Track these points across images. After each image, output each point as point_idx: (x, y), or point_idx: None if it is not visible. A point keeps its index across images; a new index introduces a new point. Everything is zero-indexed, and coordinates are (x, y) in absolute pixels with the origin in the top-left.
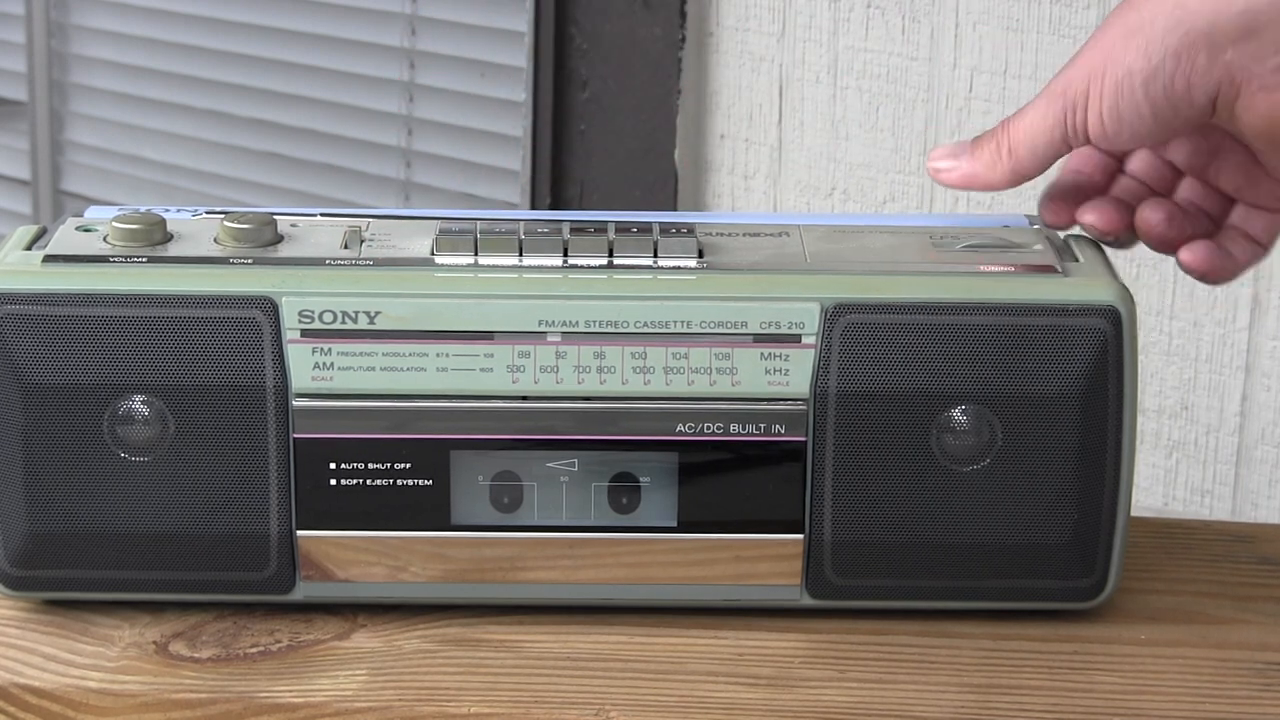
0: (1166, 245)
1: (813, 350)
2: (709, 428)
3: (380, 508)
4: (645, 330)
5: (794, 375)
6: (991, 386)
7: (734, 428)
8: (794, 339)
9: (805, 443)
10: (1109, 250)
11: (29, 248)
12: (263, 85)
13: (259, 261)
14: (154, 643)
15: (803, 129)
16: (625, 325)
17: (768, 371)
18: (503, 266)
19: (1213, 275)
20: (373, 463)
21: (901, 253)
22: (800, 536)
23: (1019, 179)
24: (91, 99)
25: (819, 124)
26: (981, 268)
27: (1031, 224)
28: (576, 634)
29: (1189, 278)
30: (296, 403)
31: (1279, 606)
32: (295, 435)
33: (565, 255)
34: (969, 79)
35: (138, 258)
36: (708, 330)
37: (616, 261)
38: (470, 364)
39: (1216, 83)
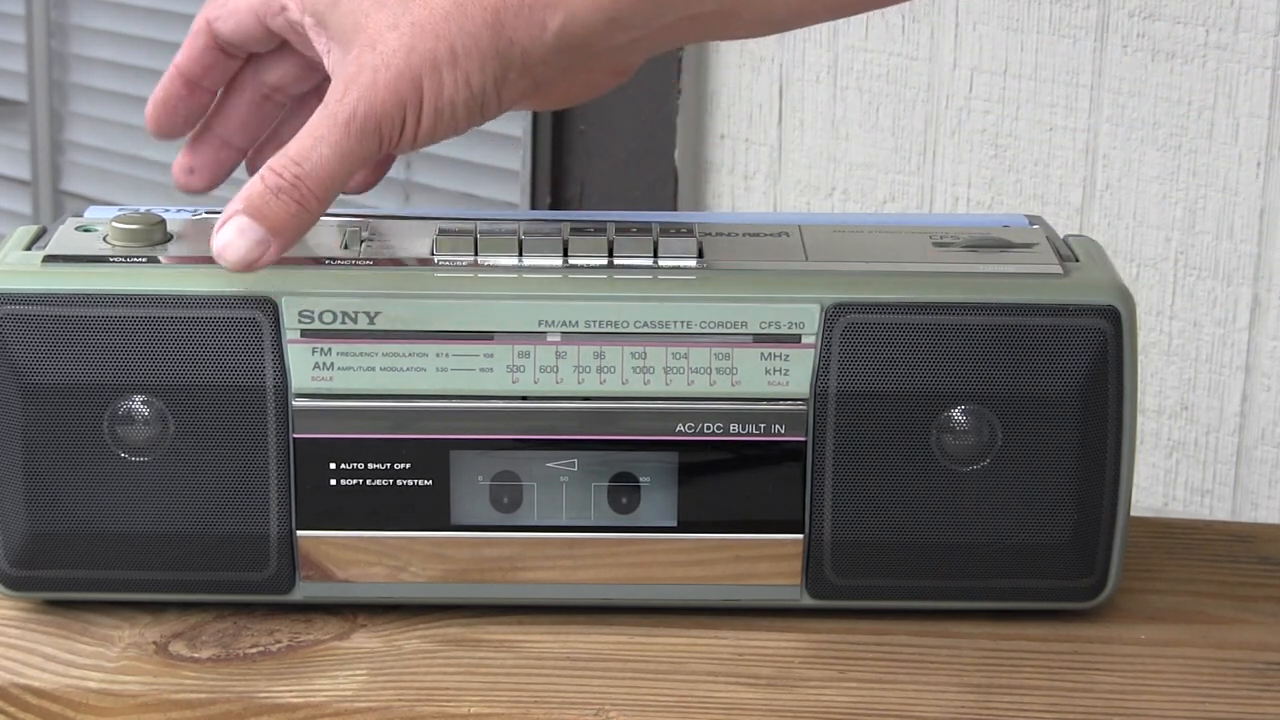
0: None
1: (813, 350)
2: (709, 428)
3: (380, 508)
4: (645, 330)
5: (794, 375)
6: (991, 386)
7: (734, 428)
8: (794, 339)
9: (805, 443)
10: (1109, 250)
11: (29, 248)
12: None
13: None
14: (154, 643)
15: (803, 129)
16: (625, 325)
17: (768, 371)
18: (503, 266)
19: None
20: (373, 463)
21: (901, 253)
22: (800, 536)
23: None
24: (91, 99)
25: (819, 124)
26: (981, 268)
27: (1031, 224)
28: (576, 634)
29: (1189, 278)
30: (296, 403)
31: (1279, 606)
32: (295, 435)
33: (565, 255)
34: (969, 79)
35: (137, 258)
36: (708, 330)
37: (616, 261)
38: (470, 364)
39: (525, 90)
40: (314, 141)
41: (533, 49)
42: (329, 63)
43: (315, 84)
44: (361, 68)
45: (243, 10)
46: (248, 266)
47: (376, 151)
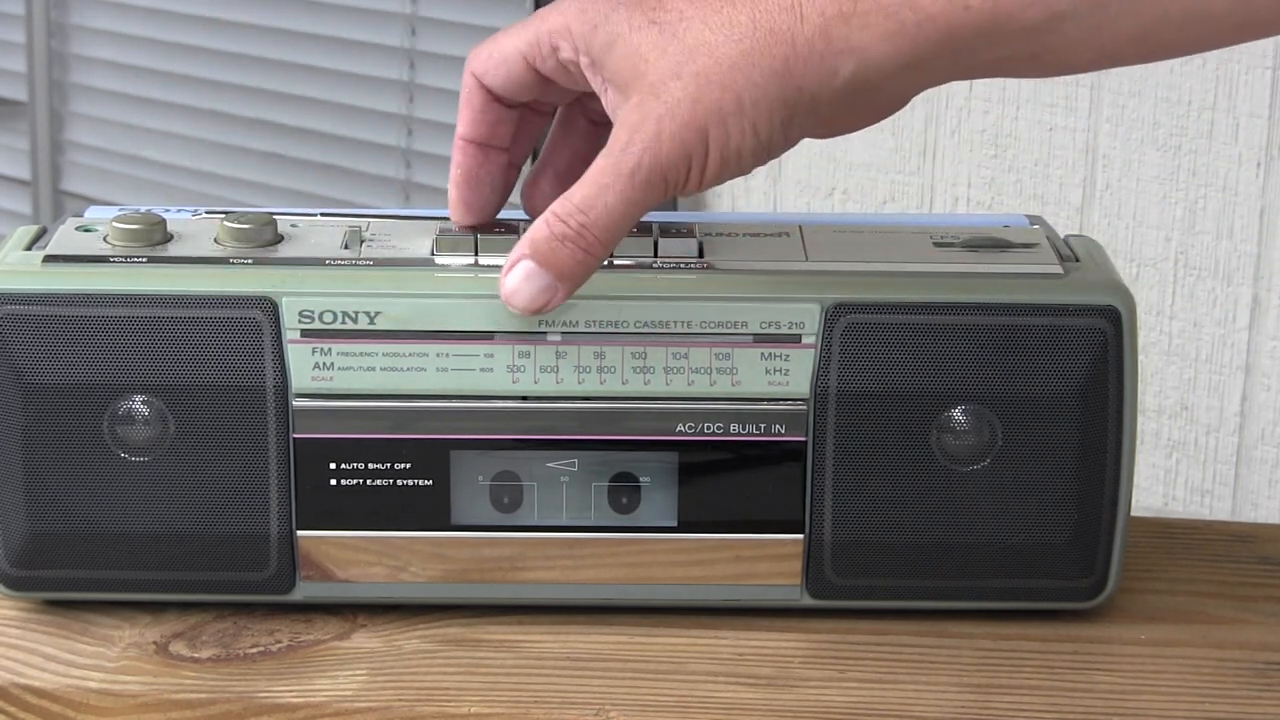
0: None
1: (813, 350)
2: (709, 428)
3: (380, 508)
4: (645, 330)
5: (794, 375)
6: (991, 386)
7: (734, 428)
8: (794, 339)
9: (805, 443)
10: (1109, 250)
11: (29, 248)
12: (263, 85)
13: (259, 261)
14: (154, 643)
15: None
16: (625, 325)
17: (768, 371)
18: (503, 266)
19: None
20: (373, 463)
21: (901, 253)
22: (800, 536)
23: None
24: (91, 99)
25: None
26: (981, 268)
27: (1031, 224)
28: (576, 634)
29: (1189, 278)
30: (296, 403)
31: (1279, 606)
32: (295, 435)
33: None
34: None
35: (138, 258)
36: (708, 330)
37: (616, 261)
38: (470, 364)
39: (811, 130)
40: (599, 190)
41: (821, 94)
42: (606, 102)
43: (579, 97)
44: (645, 117)
45: (511, 58)
46: (536, 311)
47: (661, 198)
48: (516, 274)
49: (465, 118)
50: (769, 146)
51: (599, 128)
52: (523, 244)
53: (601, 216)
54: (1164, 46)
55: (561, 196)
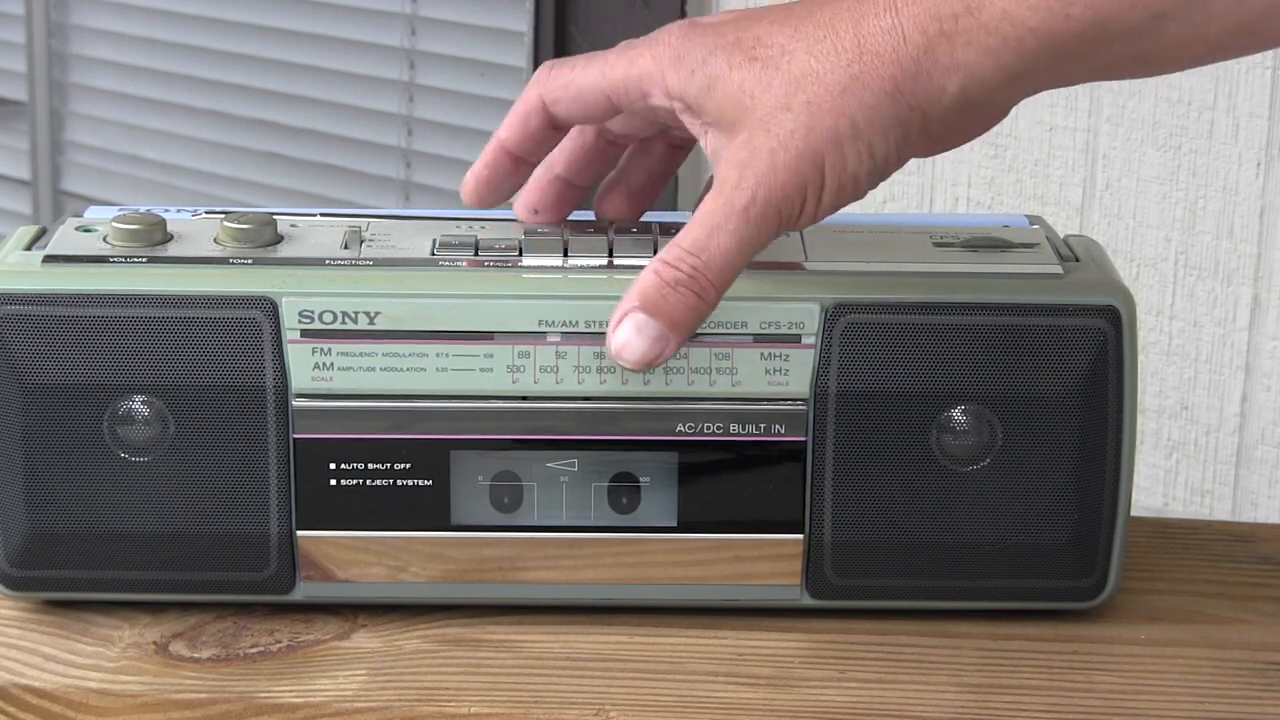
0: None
1: (813, 350)
2: (709, 428)
3: (380, 508)
4: None
5: (794, 375)
6: (991, 386)
7: (734, 428)
8: (794, 339)
9: (805, 443)
10: (1109, 250)
11: (29, 248)
12: (263, 85)
13: (259, 261)
14: (154, 643)
15: None
16: None
17: (768, 371)
18: (503, 266)
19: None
20: (373, 463)
21: (901, 253)
22: (800, 536)
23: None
24: (91, 99)
25: None
26: (981, 268)
27: (1031, 224)
28: (576, 634)
29: (1189, 278)
30: (296, 403)
31: (1279, 606)
32: (295, 435)
33: (565, 255)
34: None
35: (137, 258)
36: (708, 330)
37: (616, 261)
38: (470, 364)
39: (924, 147)
40: (710, 231)
41: (932, 112)
42: (707, 145)
43: (659, 130)
44: (755, 152)
45: (591, 95)
46: (648, 365)
47: (775, 234)
48: (626, 328)
49: (515, 132)
50: (884, 168)
51: (677, 151)
52: (630, 296)
53: (715, 258)
54: (1273, 36)
55: (669, 243)
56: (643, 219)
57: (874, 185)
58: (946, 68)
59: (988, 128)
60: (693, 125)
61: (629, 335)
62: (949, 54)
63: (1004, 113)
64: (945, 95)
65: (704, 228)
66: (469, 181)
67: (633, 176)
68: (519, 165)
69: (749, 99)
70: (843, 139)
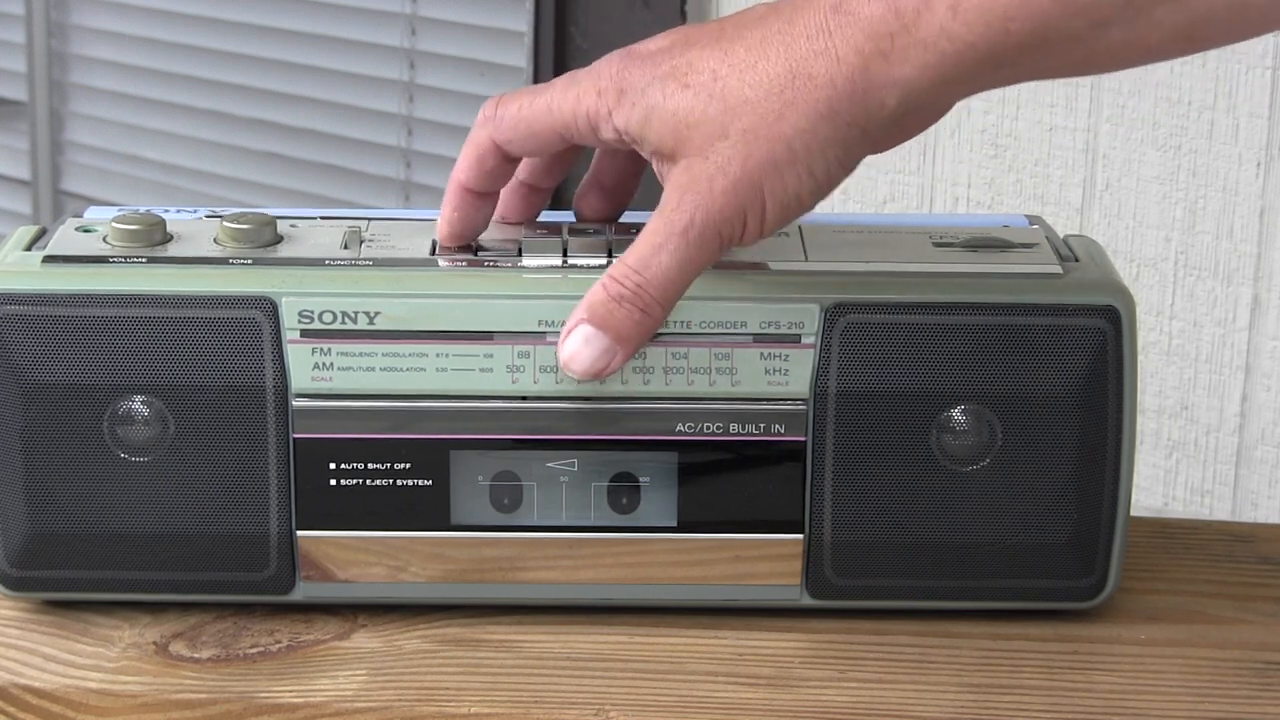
0: None
1: (812, 350)
2: (709, 428)
3: (380, 508)
4: None
5: (794, 375)
6: (991, 386)
7: (734, 428)
8: (794, 339)
9: (805, 443)
10: (1109, 250)
11: (29, 248)
12: (263, 85)
13: (259, 262)
14: (154, 643)
15: None
16: None
17: (768, 371)
18: (503, 266)
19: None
20: (373, 463)
21: (901, 253)
22: (800, 536)
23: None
24: (91, 99)
25: None
26: (981, 268)
27: (1031, 224)
28: (576, 634)
29: (1189, 278)
30: (296, 403)
31: (1279, 606)
32: (295, 435)
33: (565, 255)
34: None
35: (137, 258)
36: (708, 330)
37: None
38: (470, 364)
39: (866, 155)
40: (653, 250)
41: (871, 124)
42: (656, 169)
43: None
44: (694, 178)
45: (543, 133)
46: (595, 375)
47: (717, 254)
48: (575, 339)
49: (473, 174)
50: (826, 183)
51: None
52: (580, 309)
53: (657, 275)
54: (1211, 40)
55: (617, 259)
56: (643, 218)
57: (820, 199)
58: (883, 85)
59: (930, 124)
60: (642, 152)
61: (577, 346)
62: (886, 73)
63: (945, 110)
64: (884, 110)
65: (648, 247)
66: (442, 228)
67: (605, 176)
68: (484, 199)
69: (685, 128)
70: (780, 164)
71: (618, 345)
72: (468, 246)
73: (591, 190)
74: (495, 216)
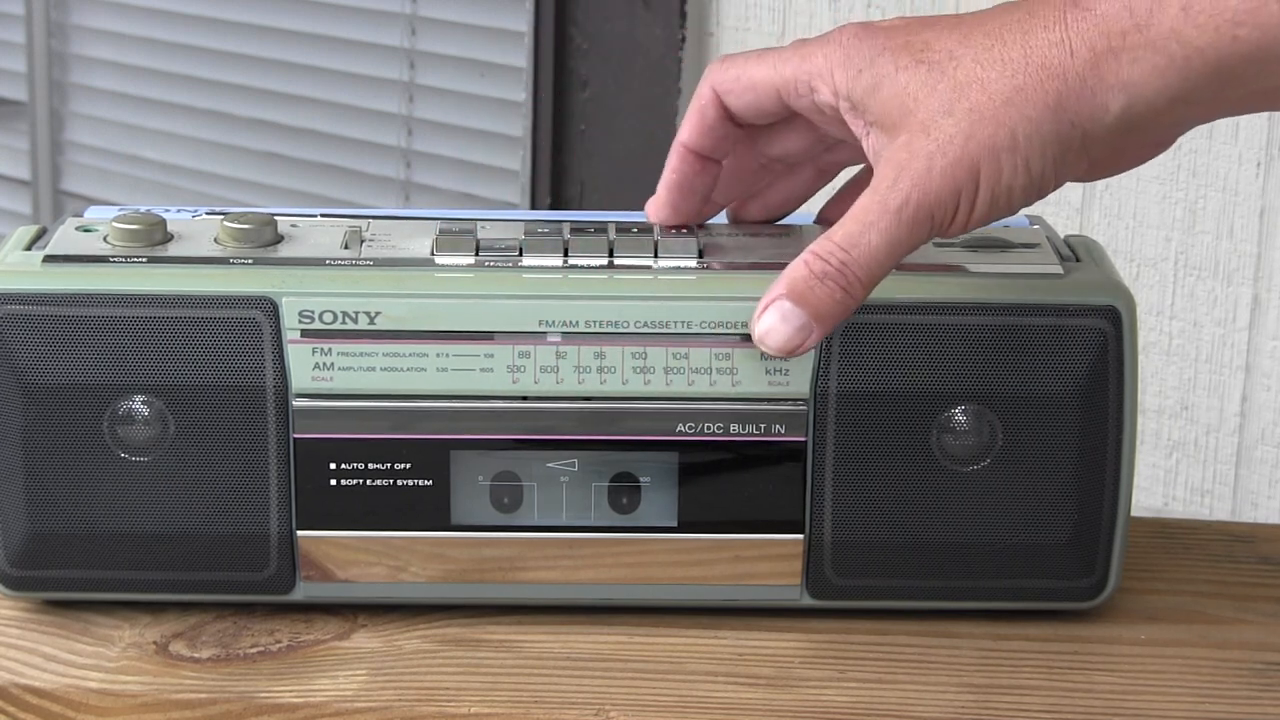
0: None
1: (813, 350)
2: (709, 428)
3: (380, 508)
4: (645, 330)
5: (794, 375)
6: (991, 386)
7: (734, 428)
8: None
9: (805, 443)
10: (1109, 250)
11: (29, 248)
12: (263, 85)
13: (259, 261)
14: (154, 643)
15: None
16: (625, 325)
17: (768, 371)
18: (503, 266)
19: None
20: (373, 463)
21: None
22: (800, 536)
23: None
24: (91, 99)
25: None
26: (981, 268)
27: (1031, 224)
28: (576, 634)
29: (1189, 278)
30: (296, 403)
31: (1279, 606)
32: (295, 435)
33: (565, 255)
34: None
35: (138, 258)
36: (708, 330)
37: (616, 261)
38: (470, 364)
39: (1081, 169)
40: (863, 228)
41: (1093, 130)
42: (868, 146)
43: (815, 155)
44: (914, 154)
45: (761, 86)
46: (790, 352)
47: (926, 238)
48: (772, 315)
49: (694, 127)
50: (1040, 185)
51: (823, 175)
52: (779, 284)
53: (864, 254)
54: None
55: (821, 236)
56: (643, 218)
57: (1028, 202)
58: (1111, 85)
59: (1149, 157)
60: (855, 125)
61: (774, 322)
62: (1115, 71)
63: (1168, 141)
64: (1108, 114)
65: (857, 224)
66: (660, 194)
67: (773, 194)
68: (705, 164)
69: (912, 101)
70: (1000, 150)
71: (815, 323)
72: (472, 245)
73: (755, 205)
74: (679, 219)
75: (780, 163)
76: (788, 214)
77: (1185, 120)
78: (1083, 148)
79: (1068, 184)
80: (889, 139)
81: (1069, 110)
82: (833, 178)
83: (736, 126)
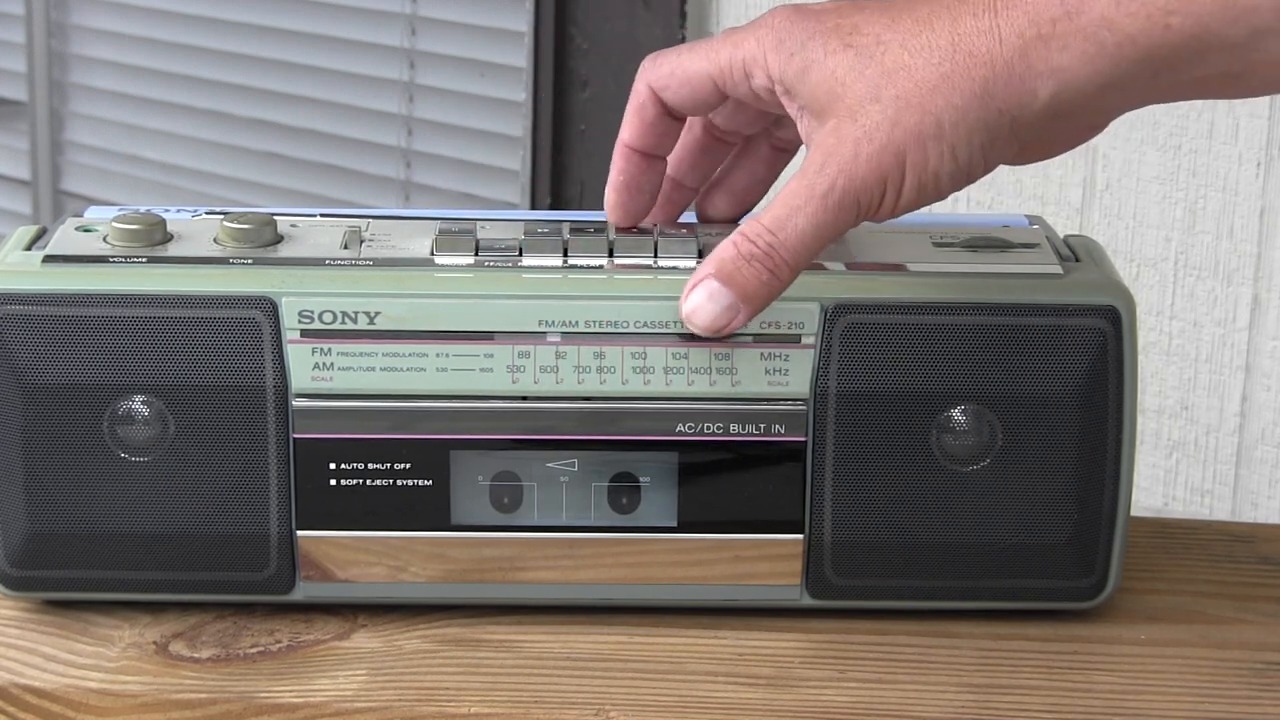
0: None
1: (812, 350)
2: (709, 428)
3: (380, 508)
4: (645, 330)
5: (794, 375)
6: (991, 386)
7: (734, 428)
8: (794, 339)
9: (805, 443)
10: (1109, 250)
11: (29, 248)
12: (263, 85)
13: (259, 261)
14: (154, 643)
15: None
16: (625, 325)
17: (768, 371)
18: (503, 266)
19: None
20: (373, 463)
21: (901, 253)
22: (800, 536)
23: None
24: (91, 99)
25: None
26: (981, 268)
27: (1031, 224)
28: (576, 634)
29: (1189, 278)
30: (296, 403)
31: (1279, 606)
32: (295, 435)
33: (565, 255)
34: None
35: (137, 258)
36: None
37: (616, 261)
38: (470, 364)
39: (1010, 154)
40: (790, 211)
41: (1021, 116)
42: (801, 128)
43: (766, 127)
44: (841, 140)
45: (696, 79)
46: (716, 331)
47: (853, 223)
48: (699, 294)
49: (634, 127)
50: (967, 171)
51: (781, 154)
52: (707, 263)
53: (791, 237)
54: None
55: (750, 218)
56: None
57: (957, 188)
58: (1040, 72)
59: (1078, 142)
60: (790, 108)
61: (701, 300)
62: (1044, 58)
63: (1098, 127)
64: (1036, 100)
65: (785, 208)
66: (610, 196)
67: (735, 178)
68: (650, 162)
69: (840, 86)
70: (926, 137)
71: (742, 304)
72: (471, 245)
73: (719, 192)
74: (633, 220)
75: (733, 136)
76: (757, 201)
77: (1116, 106)
78: (1011, 133)
79: (1067, 184)
80: (819, 123)
81: (997, 98)
82: (792, 155)
83: (676, 120)
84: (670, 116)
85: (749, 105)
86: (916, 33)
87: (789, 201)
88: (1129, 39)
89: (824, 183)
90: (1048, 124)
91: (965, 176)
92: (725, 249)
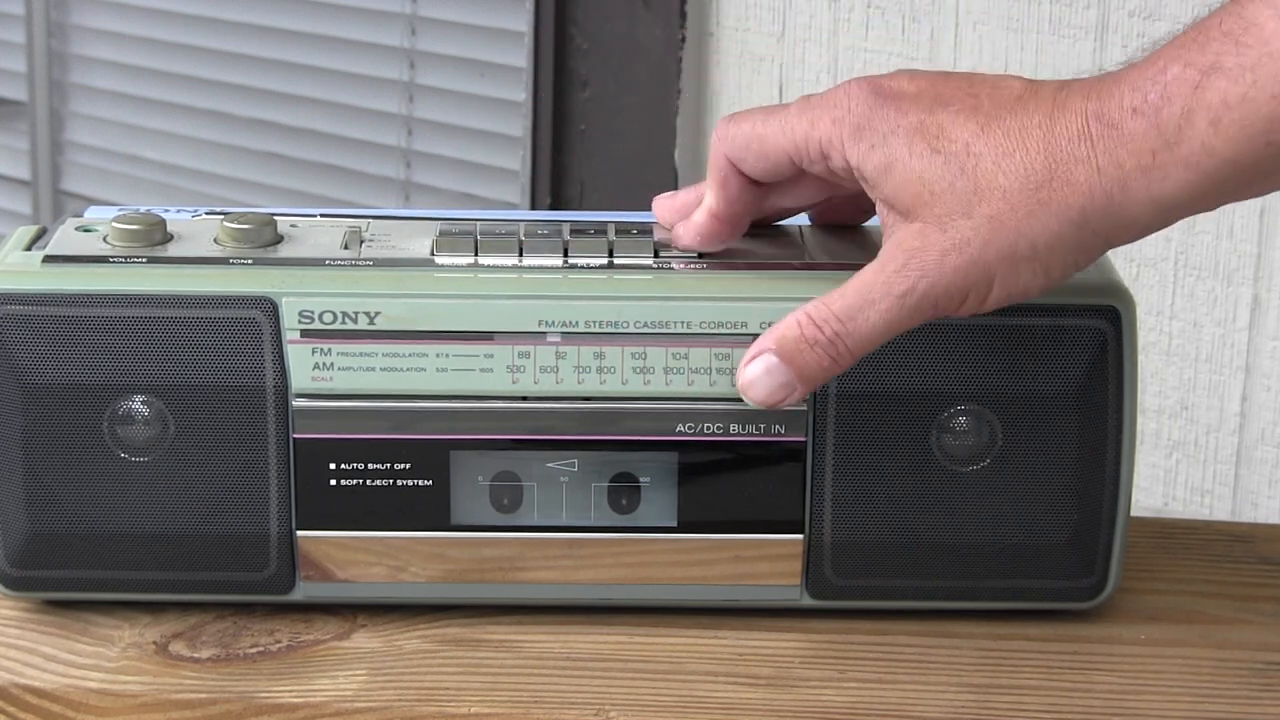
0: None
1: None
2: (709, 428)
3: (380, 508)
4: (645, 330)
5: None
6: (991, 386)
7: (734, 428)
8: None
9: (805, 443)
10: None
11: (29, 248)
12: (263, 85)
13: (259, 262)
14: (154, 643)
15: None
16: (625, 325)
17: None
18: (503, 266)
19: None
20: (373, 463)
21: None
22: (800, 536)
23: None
24: (91, 99)
25: None
26: None
27: None
28: (576, 634)
29: (1189, 278)
30: (296, 403)
31: (1279, 606)
32: (295, 435)
33: (565, 255)
34: None
35: (137, 258)
36: (708, 330)
37: (616, 261)
38: (470, 364)
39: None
40: (863, 304)
41: (1117, 239)
42: (881, 215)
43: (827, 197)
44: (927, 245)
45: (773, 155)
46: (771, 406)
47: (925, 321)
48: (757, 366)
49: (721, 199)
50: (1060, 280)
51: (825, 188)
52: (768, 336)
53: (860, 330)
54: None
55: (819, 300)
56: (643, 218)
57: (1046, 293)
58: (1139, 200)
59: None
60: (870, 193)
61: (758, 373)
62: (1144, 188)
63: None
64: (1136, 225)
65: (859, 299)
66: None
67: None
68: (736, 225)
69: (928, 194)
70: (1019, 258)
71: (799, 383)
72: (471, 245)
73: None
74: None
75: (795, 212)
76: (786, 218)
77: (1212, 208)
78: (1105, 248)
79: None
80: (902, 220)
81: (1093, 223)
82: (835, 189)
83: (757, 185)
84: (752, 184)
85: (817, 182)
86: (1010, 151)
87: (864, 294)
88: (1228, 162)
89: (903, 284)
90: (1142, 235)
91: (1056, 285)
92: (789, 327)
